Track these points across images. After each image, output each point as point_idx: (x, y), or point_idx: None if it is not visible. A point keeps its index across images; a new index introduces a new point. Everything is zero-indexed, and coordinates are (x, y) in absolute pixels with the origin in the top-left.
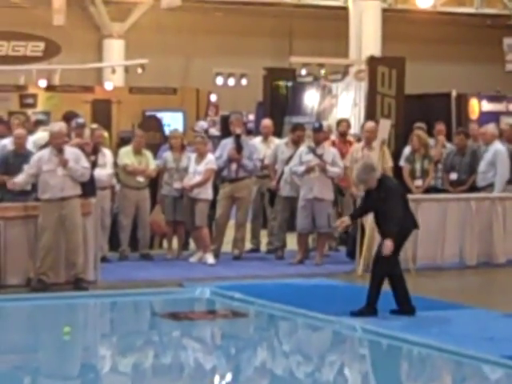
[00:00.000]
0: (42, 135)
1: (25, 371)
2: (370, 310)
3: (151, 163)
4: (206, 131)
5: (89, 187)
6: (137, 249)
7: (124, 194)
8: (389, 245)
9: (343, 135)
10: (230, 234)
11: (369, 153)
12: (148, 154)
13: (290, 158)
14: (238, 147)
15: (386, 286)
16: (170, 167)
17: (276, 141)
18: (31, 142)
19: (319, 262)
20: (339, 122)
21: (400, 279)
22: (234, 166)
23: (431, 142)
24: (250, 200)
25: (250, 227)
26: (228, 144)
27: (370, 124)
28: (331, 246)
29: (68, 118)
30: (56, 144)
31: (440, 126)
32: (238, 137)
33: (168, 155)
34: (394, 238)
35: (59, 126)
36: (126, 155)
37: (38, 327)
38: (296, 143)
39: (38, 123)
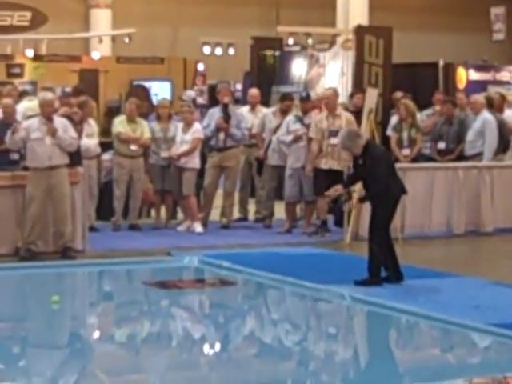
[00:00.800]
0: (28, 105)
1: (13, 340)
2: (373, 280)
3: (146, 132)
4: (194, 100)
5: (75, 157)
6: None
7: (118, 163)
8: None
9: None
10: (218, 202)
11: (334, 121)
12: (143, 122)
13: (278, 127)
14: (226, 116)
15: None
16: (157, 137)
17: (263, 110)
18: (19, 112)
19: (307, 231)
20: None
21: (389, 247)
22: (221, 136)
23: (429, 111)
24: (238, 169)
25: (238, 196)
26: (216, 113)
27: (328, 90)
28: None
29: (78, 92)
30: (46, 112)
31: (439, 96)
32: (225, 106)
33: (155, 125)
34: (362, 202)
35: (50, 94)
36: (121, 124)
37: (27, 296)
38: (284, 113)
39: (23, 94)
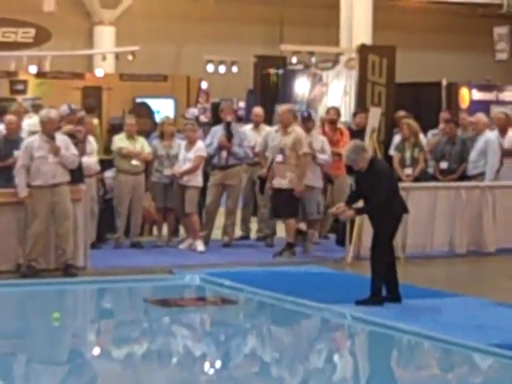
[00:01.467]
0: (30, 122)
1: (14, 357)
2: (374, 299)
3: (146, 147)
4: (197, 118)
5: (77, 174)
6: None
7: (120, 180)
8: (348, 214)
9: (332, 123)
10: (219, 221)
11: (284, 138)
12: (141, 139)
13: None
14: (229, 135)
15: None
16: (160, 154)
17: (267, 128)
18: (24, 129)
19: (309, 250)
20: (328, 110)
21: (392, 266)
22: (224, 154)
23: (436, 130)
24: (240, 187)
25: (241, 214)
26: (218, 131)
27: (282, 107)
28: (321, 233)
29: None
30: (48, 130)
31: (444, 115)
32: (228, 124)
33: (158, 142)
34: (359, 214)
35: (52, 112)
36: (120, 140)
37: (28, 313)
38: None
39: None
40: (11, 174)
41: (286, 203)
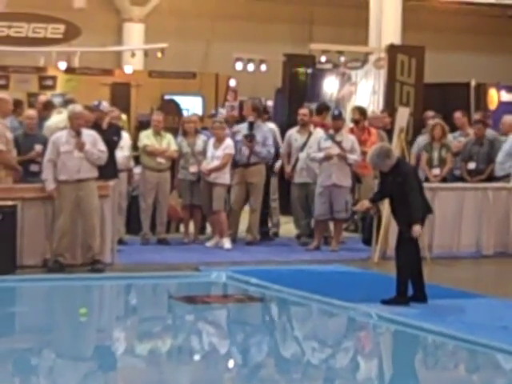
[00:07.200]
0: (58, 119)
1: (41, 352)
2: (400, 299)
3: (172, 144)
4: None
5: (110, 169)
6: (155, 232)
7: (145, 177)
8: (417, 229)
9: (357, 122)
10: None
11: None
12: (168, 136)
13: (304, 144)
14: (250, 135)
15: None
16: (185, 152)
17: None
18: (49, 128)
19: (335, 249)
20: (352, 110)
21: (418, 266)
22: (246, 152)
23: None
24: (262, 186)
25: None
26: (242, 130)
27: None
28: (349, 227)
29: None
30: (75, 125)
31: (475, 116)
32: (251, 124)
33: (182, 140)
34: (420, 222)
35: (79, 107)
36: (146, 137)
37: (54, 308)
38: (304, 125)
39: (48, 105)
40: (28, 170)
41: None
